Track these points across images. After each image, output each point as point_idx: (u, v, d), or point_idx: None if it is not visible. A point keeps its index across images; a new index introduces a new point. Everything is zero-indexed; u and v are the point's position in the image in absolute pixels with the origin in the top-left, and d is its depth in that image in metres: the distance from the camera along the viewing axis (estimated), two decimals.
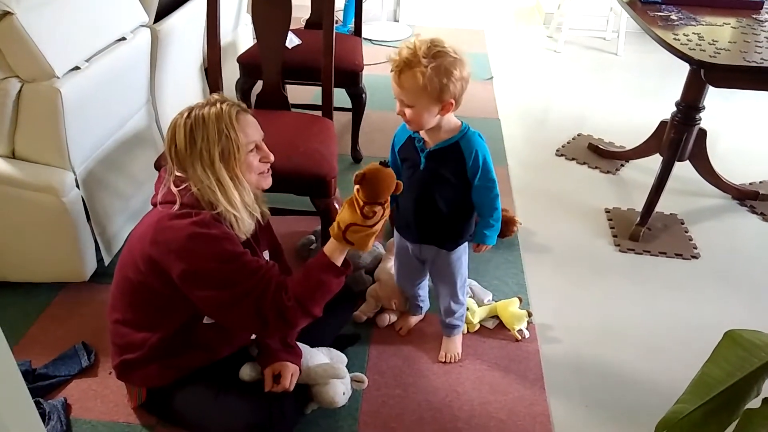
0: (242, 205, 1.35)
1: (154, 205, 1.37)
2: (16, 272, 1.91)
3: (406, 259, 1.77)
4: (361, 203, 1.30)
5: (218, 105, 1.32)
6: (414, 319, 1.92)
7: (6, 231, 1.81)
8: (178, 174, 1.34)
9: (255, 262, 1.34)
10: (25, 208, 1.75)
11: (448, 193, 1.56)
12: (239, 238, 1.36)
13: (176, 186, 1.34)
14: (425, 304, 1.92)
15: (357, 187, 1.30)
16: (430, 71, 1.35)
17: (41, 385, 1.63)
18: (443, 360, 1.80)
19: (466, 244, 1.70)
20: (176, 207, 1.32)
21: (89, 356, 1.73)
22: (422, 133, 1.52)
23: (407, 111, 1.43)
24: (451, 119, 1.50)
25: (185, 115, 1.32)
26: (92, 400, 1.63)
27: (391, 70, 1.41)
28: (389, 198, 1.31)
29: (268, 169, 1.45)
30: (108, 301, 1.50)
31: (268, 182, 1.45)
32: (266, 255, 1.54)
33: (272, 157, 1.43)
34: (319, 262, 1.36)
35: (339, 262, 1.36)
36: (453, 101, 1.41)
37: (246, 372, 1.50)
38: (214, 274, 1.29)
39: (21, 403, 0.89)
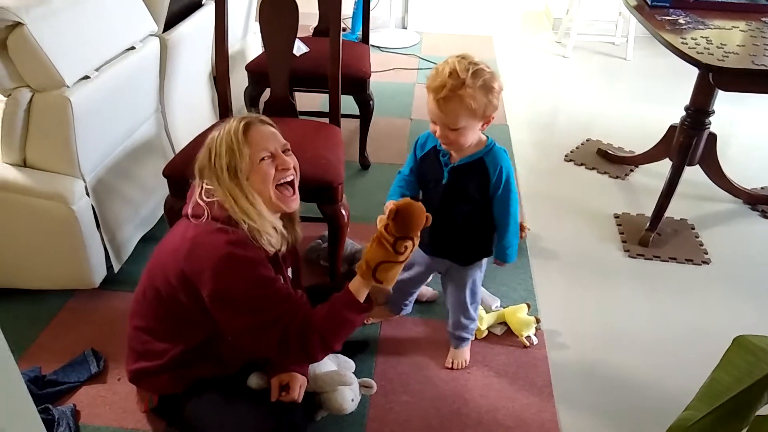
0: (258, 216, 1.34)
1: (186, 215, 1.38)
2: (26, 279, 1.93)
3: (413, 263, 1.76)
4: (392, 239, 1.29)
5: (233, 120, 1.36)
6: (386, 315, 1.90)
7: (17, 239, 1.83)
8: (206, 186, 1.36)
9: (285, 289, 1.35)
10: (36, 216, 1.77)
11: (468, 209, 1.54)
12: (267, 252, 1.36)
13: (202, 199, 1.35)
14: (408, 309, 1.92)
15: (387, 223, 1.29)
16: (477, 92, 1.34)
17: (50, 391, 1.64)
18: (450, 366, 1.79)
19: (483, 262, 1.68)
20: (204, 218, 1.33)
21: (98, 363, 1.74)
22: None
23: (451, 134, 1.41)
24: (478, 134, 1.48)
25: (215, 131, 1.37)
26: (101, 407, 1.64)
27: (435, 98, 1.37)
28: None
29: (293, 191, 1.42)
30: (130, 306, 1.51)
31: (290, 205, 1.42)
32: (289, 272, 1.55)
33: (290, 165, 1.40)
34: (344, 299, 1.35)
35: (363, 299, 1.36)
36: (494, 115, 1.41)
37: (254, 380, 1.50)
38: (245, 298, 1.30)
39: (25, 412, 0.89)
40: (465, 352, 1.82)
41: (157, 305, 1.42)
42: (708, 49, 2.06)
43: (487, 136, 1.52)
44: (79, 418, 1.60)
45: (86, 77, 1.77)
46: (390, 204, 1.31)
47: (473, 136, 1.44)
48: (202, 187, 1.37)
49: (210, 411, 1.45)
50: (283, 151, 1.41)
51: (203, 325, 1.39)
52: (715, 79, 2.01)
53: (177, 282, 1.34)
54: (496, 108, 1.40)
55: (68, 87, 1.69)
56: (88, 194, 1.83)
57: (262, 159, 1.36)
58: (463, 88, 1.33)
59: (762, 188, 2.72)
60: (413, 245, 1.32)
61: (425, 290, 2.00)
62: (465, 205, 1.53)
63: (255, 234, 1.33)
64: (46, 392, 1.63)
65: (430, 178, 1.54)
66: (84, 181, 1.81)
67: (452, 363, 1.79)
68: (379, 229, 1.31)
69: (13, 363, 0.83)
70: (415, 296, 1.90)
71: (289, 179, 1.42)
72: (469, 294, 1.71)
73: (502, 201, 1.52)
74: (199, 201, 1.36)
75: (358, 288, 1.35)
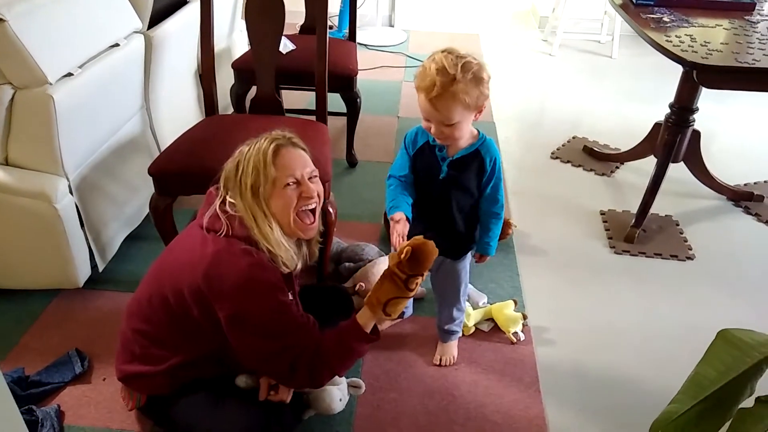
0: (277, 242, 1.33)
1: (200, 226, 1.35)
2: (9, 279, 1.90)
3: None
4: (405, 276, 1.30)
5: (264, 139, 1.35)
6: (390, 323, 1.89)
7: None
8: (229, 200, 1.34)
9: (301, 316, 1.35)
10: (18, 215, 1.75)
11: (464, 201, 1.54)
12: (282, 270, 1.35)
13: (223, 211, 1.34)
14: (409, 311, 1.92)
15: (399, 261, 1.29)
16: (467, 85, 1.34)
17: (34, 392, 1.62)
18: (438, 363, 1.80)
19: (469, 253, 1.69)
20: (223, 232, 1.31)
21: (83, 363, 1.72)
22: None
23: (446, 130, 1.40)
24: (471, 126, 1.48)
25: (246, 146, 1.36)
26: (86, 407, 1.62)
27: (428, 98, 1.36)
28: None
29: (314, 219, 1.41)
30: (127, 305, 1.49)
31: (309, 233, 1.41)
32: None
33: (314, 193, 1.37)
34: (354, 331, 1.36)
35: (370, 330, 1.37)
36: (485, 103, 1.41)
37: (242, 380, 1.49)
38: (262, 323, 1.29)
39: (7, 413, 0.88)
40: (453, 348, 1.82)
41: (164, 314, 1.38)
42: (692, 47, 2.08)
43: (477, 129, 1.52)
44: (63, 418, 1.59)
45: (69, 74, 1.75)
46: (404, 243, 1.31)
47: (467, 127, 1.45)
48: (225, 199, 1.35)
49: (198, 412, 1.43)
50: (310, 178, 1.39)
51: (211, 340, 1.36)
52: (699, 76, 2.03)
53: (191, 297, 1.31)
54: (487, 97, 1.40)
55: (51, 84, 1.67)
56: (71, 193, 1.81)
57: (287, 184, 1.33)
58: (454, 84, 1.33)
59: (745, 185, 2.75)
60: (422, 279, 1.34)
61: None
62: (463, 197, 1.53)
63: (273, 256, 1.33)
64: (29, 393, 1.61)
65: (425, 174, 1.53)
66: (68, 179, 1.79)
67: (441, 359, 1.80)
68: (391, 267, 1.32)
69: None
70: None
71: (311, 207, 1.39)
72: (462, 286, 1.72)
73: (494, 190, 1.54)
74: (220, 212, 1.34)
75: (367, 321, 1.36)
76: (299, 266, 1.43)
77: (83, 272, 1.90)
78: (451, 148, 1.49)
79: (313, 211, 1.40)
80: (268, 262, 1.31)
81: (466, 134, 1.46)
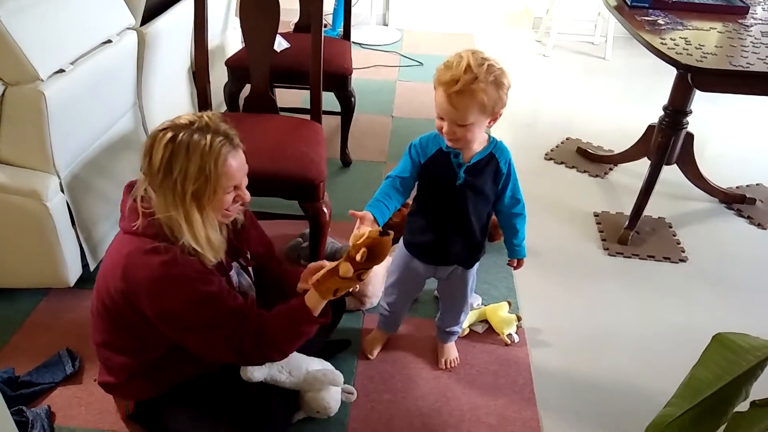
0: (206, 242, 1.27)
1: (123, 229, 1.31)
2: None
3: (413, 282, 1.70)
4: (357, 269, 1.27)
5: (208, 138, 1.21)
6: (384, 337, 1.85)
7: None
8: (144, 194, 1.27)
9: (232, 301, 1.30)
10: (8, 213, 1.72)
11: (481, 207, 1.52)
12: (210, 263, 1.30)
13: (142, 207, 1.26)
14: (402, 321, 1.88)
15: (356, 255, 1.25)
16: (489, 87, 1.31)
17: (25, 392, 1.60)
18: (444, 367, 1.78)
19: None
20: (137, 227, 1.26)
21: (74, 363, 1.70)
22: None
23: (459, 131, 1.36)
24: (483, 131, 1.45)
25: (169, 135, 1.21)
26: (76, 408, 1.61)
27: (447, 92, 1.32)
28: None
29: (237, 210, 1.36)
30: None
31: (230, 218, 1.37)
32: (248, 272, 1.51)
33: (248, 198, 1.34)
34: (302, 314, 1.33)
35: (318, 313, 1.34)
36: (501, 111, 1.38)
37: (246, 373, 1.43)
38: (190, 318, 1.27)
39: None
40: (454, 348, 1.81)
41: (109, 322, 1.36)
42: (687, 49, 2.08)
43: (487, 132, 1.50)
44: (54, 419, 1.57)
45: (61, 71, 1.72)
46: (359, 241, 1.25)
47: (481, 133, 1.42)
48: (141, 192, 1.27)
49: (187, 415, 1.42)
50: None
51: (160, 340, 1.33)
52: (693, 79, 2.04)
53: (122, 301, 1.28)
54: (504, 105, 1.37)
55: (42, 81, 1.64)
56: (62, 191, 1.79)
57: (227, 191, 1.28)
58: (476, 82, 1.30)
59: (737, 187, 2.77)
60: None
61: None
62: (480, 203, 1.51)
63: (197, 253, 1.27)
64: (19, 393, 1.59)
65: (441, 181, 1.48)
66: (59, 177, 1.77)
67: (446, 362, 1.79)
68: (345, 259, 1.29)
69: None
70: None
71: (240, 209, 1.37)
72: (471, 291, 1.71)
73: (513, 191, 1.52)
74: (139, 206, 1.27)
75: (316, 305, 1.33)
76: (223, 252, 1.35)
77: (74, 271, 1.88)
78: (465, 154, 1.46)
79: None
80: (183, 255, 1.25)
81: (478, 138, 1.43)
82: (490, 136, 1.50)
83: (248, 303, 1.36)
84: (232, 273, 1.43)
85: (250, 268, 1.53)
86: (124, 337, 1.37)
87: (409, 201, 1.61)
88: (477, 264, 1.66)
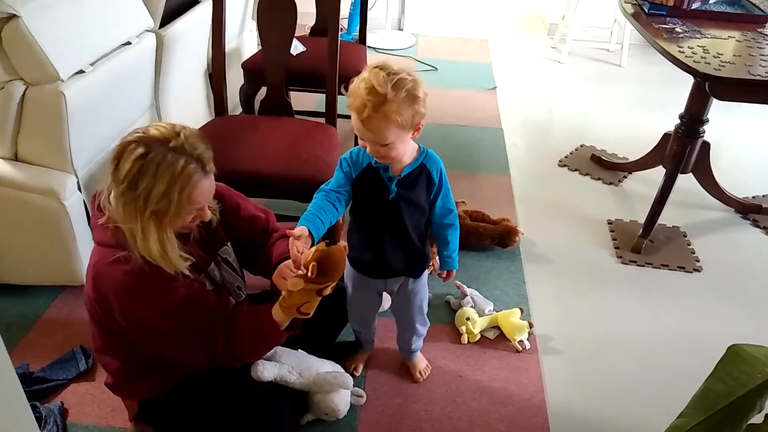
0: (161, 257, 1.22)
1: (93, 237, 1.31)
2: (15, 275, 1.91)
3: (368, 297, 1.65)
4: (317, 287, 1.24)
5: (181, 162, 1.17)
6: (365, 356, 1.82)
7: (7, 233, 1.81)
8: (107, 202, 1.24)
9: (203, 301, 1.30)
10: (27, 211, 1.75)
11: (417, 217, 1.48)
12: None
13: (103, 213, 1.25)
14: (375, 336, 1.83)
15: (310, 274, 1.21)
16: (401, 105, 1.24)
17: (38, 388, 1.62)
18: (421, 377, 1.76)
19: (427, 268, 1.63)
20: (102, 233, 1.25)
21: (87, 360, 1.72)
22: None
23: (382, 150, 1.31)
24: (411, 142, 1.40)
25: (140, 150, 1.16)
26: (89, 405, 1.62)
27: (359, 119, 1.27)
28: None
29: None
30: None
31: (189, 230, 1.34)
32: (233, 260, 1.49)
33: (208, 218, 1.31)
34: (270, 327, 1.32)
35: (286, 325, 1.34)
36: (423, 122, 1.33)
37: (257, 371, 1.44)
38: (159, 328, 1.27)
39: (17, 407, 0.88)
40: (422, 358, 1.79)
41: (97, 327, 1.37)
42: (705, 58, 2.07)
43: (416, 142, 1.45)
44: (66, 416, 1.59)
45: (81, 71, 1.75)
46: (308, 258, 1.22)
47: (405, 147, 1.36)
48: (110, 193, 1.23)
49: (196, 418, 1.44)
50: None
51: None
52: (711, 88, 2.02)
53: (98, 308, 1.30)
54: (424, 115, 1.31)
55: (62, 81, 1.67)
56: (80, 190, 1.81)
57: (190, 214, 1.26)
58: (386, 103, 1.23)
59: (753, 197, 2.74)
60: (335, 282, 1.27)
61: (386, 302, 1.90)
62: (415, 214, 1.46)
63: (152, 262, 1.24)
64: (33, 389, 1.61)
65: (373, 196, 1.43)
66: (76, 176, 1.79)
67: (421, 374, 1.76)
68: (292, 277, 1.26)
69: (7, 358, 0.82)
70: (376, 321, 1.79)
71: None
72: (425, 300, 1.66)
73: (444, 200, 1.48)
74: (105, 207, 1.24)
75: (282, 320, 1.32)
76: (187, 263, 1.29)
77: None
78: (395, 167, 1.40)
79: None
80: (147, 263, 1.22)
81: (403, 152, 1.36)
82: (420, 147, 1.44)
83: (222, 303, 1.35)
84: (211, 268, 1.41)
85: (232, 260, 1.49)
86: (114, 341, 1.38)
87: None
88: (426, 274, 1.62)
